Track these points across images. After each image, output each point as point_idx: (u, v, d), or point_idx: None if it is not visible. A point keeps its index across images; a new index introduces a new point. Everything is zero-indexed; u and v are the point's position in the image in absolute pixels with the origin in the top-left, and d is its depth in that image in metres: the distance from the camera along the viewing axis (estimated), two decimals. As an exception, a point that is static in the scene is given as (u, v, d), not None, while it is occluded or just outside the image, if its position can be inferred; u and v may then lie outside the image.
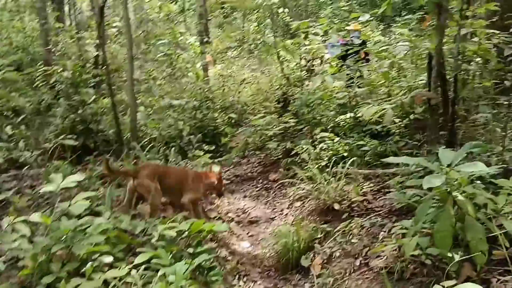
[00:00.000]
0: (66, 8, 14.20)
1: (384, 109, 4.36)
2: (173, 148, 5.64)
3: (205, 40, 12.85)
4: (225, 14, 22.41)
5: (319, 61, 12.07)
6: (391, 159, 3.49)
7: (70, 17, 14.68)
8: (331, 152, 5.40)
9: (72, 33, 10.63)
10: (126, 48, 13.96)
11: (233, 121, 9.51)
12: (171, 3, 24.84)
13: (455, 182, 2.57)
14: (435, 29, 4.25)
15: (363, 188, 4.55)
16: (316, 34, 11.68)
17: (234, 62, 15.20)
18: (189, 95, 8.99)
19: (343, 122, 5.74)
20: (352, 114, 5.65)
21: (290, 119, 6.89)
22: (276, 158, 6.68)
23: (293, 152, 6.12)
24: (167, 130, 6.90)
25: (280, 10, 17.59)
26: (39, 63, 8.86)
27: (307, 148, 5.73)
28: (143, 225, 3.45)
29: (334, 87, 7.29)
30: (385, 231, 3.67)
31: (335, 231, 3.90)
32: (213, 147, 7.67)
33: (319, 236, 4.16)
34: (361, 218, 3.96)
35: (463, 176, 2.57)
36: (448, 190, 2.52)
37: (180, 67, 11.54)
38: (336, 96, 7.04)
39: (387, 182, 4.52)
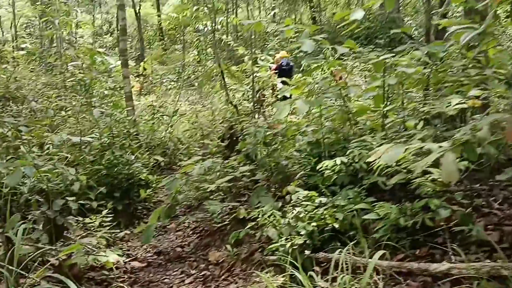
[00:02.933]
0: None
1: (429, 150, 2.24)
2: (26, 227, 3.09)
3: (129, 61, 10.53)
4: (163, 46, 20.41)
5: (270, 90, 10.24)
6: None
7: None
8: (313, 222, 3.19)
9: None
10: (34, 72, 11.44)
11: (162, 164, 7.16)
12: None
13: None
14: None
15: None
16: (266, 60, 9.92)
17: (170, 94, 12.95)
18: (104, 129, 6.48)
19: (328, 171, 3.56)
20: (344, 159, 3.50)
21: (240, 164, 4.67)
22: (220, 224, 4.35)
23: (248, 217, 3.88)
24: (52, 183, 4.36)
25: (224, 37, 15.85)
26: None
27: (271, 214, 3.50)
28: None
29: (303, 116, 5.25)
30: None
31: None
32: (127, 204, 5.27)
33: None
34: None
35: None
36: None
37: (98, 95, 9.07)
38: (306, 131, 4.92)
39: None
